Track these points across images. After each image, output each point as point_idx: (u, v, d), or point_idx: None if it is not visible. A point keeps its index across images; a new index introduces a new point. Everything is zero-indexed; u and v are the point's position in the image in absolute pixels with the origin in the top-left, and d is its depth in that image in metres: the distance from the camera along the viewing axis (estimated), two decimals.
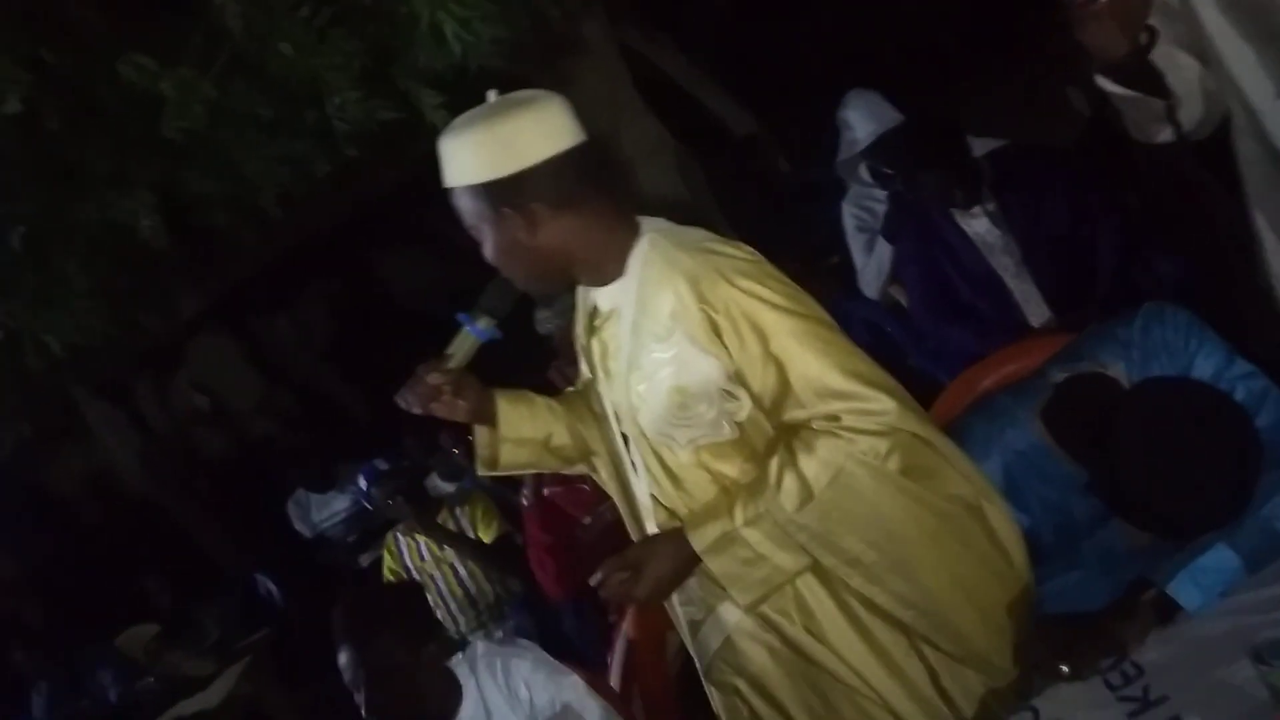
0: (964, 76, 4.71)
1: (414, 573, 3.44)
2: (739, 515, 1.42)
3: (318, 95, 2.28)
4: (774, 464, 1.41)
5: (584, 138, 1.46)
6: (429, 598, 3.43)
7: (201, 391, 6.56)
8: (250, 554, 5.06)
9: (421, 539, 3.43)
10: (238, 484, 5.84)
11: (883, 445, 1.37)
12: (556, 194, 1.43)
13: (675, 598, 1.60)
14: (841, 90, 3.51)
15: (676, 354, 1.43)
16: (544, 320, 3.64)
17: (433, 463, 3.98)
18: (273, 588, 4.68)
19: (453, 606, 3.43)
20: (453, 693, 2.00)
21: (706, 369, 1.42)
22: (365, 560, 4.49)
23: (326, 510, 4.70)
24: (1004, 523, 1.48)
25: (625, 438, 1.56)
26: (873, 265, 3.25)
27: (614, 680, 2.51)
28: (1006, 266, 2.69)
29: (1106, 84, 1.42)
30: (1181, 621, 1.38)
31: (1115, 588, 1.51)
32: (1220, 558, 1.37)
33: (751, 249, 1.50)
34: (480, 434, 1.70)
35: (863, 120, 3.22)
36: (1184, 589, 1.38)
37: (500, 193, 1.42)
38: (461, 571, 3.42)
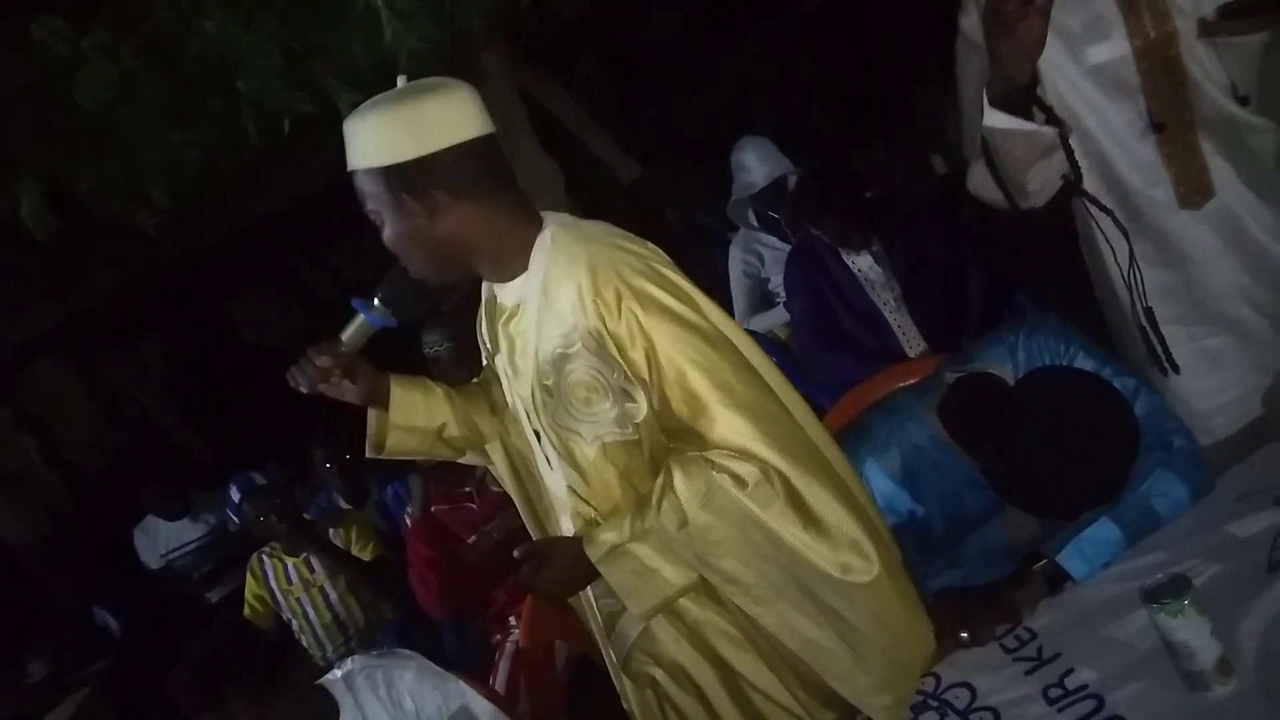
0: (837, 138, 5.03)
1: (279, 595, 3.30)
2: (627, 530, 1.43)
3: (229, 84, 2.25)
4: (656, 485, 1.42)
5: (490, 129, 1.45)
6: (294, 623, 3.31)
7: (39, 420, 6.13)
8: (88, 588, 4.71)
9: (290, 561, 3.30)
10: (78, 513, 5.46)
11: (750, 473, 1.35)
12: (458, 183, 1.41)
13: (591, 590, 1.60)
14: (722, 145, 3.70)
15: (579, 349, 1.42)
16: (431, 344, 3.64)
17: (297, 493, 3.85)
18: (111, 621, 4.36)
19: (319, 632, 3.30)
20: (328, 713, 1.91)
21: (605, 366, 1.41)
22: (216, 595, 4.27)
23: (177, 539, 4.44)
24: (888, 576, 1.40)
25: (537, 433, 1.55)
26: (771, 316, 3.40)
27: (499, 685, 2.48)
28: (887, 302, 2.88)
29: (999, 120, 1.53)
30: (1069, 590, 1.50)
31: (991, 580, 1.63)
32: (1103, 531, 1.50)
33: (655, 247, 1.48)
34: (371, 417, 1.69)
35: (757, 164, 3.40)
36: (1071, 560, 1.50)
37: (401, 178, 1.40)
38: (332, 595, 3.30)
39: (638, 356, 1.39)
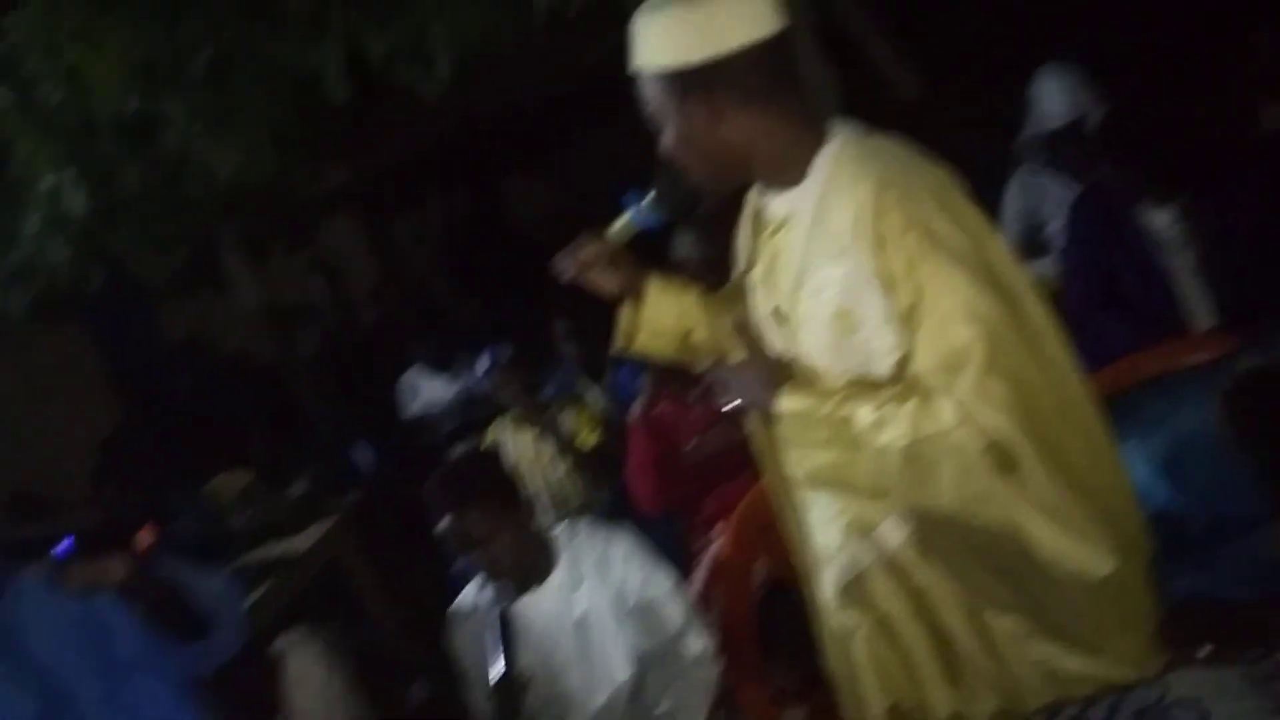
0: (1155, 72, 4.49)
1: (509, 462, 3.51)
2: (830, 407, 1.35)
3: None
4: (885, 394, 1.32)
5: (783, 25, 1.37)
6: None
7: (325, 269, 6.78)
8: (351, 425, 5.22)
9: (524, 435, 3.50)
10: (352, 357, 6.03)
11: (982, 443, 1.26)
12: (746, 86, 1.35)
13: (811, 521, 1.55)
14: (1020, 68, 3.39)
15: (847, 273, 1.34)
16: (683, 245, 3.65)
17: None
18: (368, 457, 4.83)
19: (540, 503, 3.48)
20: (547, 555, 2.10)
21: (873, 295, 1.32)
22: (459, 450, 4.60)
23: (435, 394, 4.80)
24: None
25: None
26: (1043, 264, 3.16)
27: (694, 591, 2.52)
28: (1181, 266, 2.56)
29: None
30: None
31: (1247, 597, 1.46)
32: None
33: (951, 174, 1.37)
34: (625, 311, 1.70)
35: (1062, 98, 3.12)
36: None
37: (688, 80, 1.35)
38: (555, 473, 3.48)
39: (904, 295, 1.30)
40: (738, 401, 1.48)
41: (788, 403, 1.40)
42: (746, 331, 1.49)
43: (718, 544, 2.64)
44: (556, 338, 3.96)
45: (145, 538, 1.33)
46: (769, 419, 1.49)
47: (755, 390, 1.44)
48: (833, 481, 1.42)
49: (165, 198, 3.45)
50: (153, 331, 6.00)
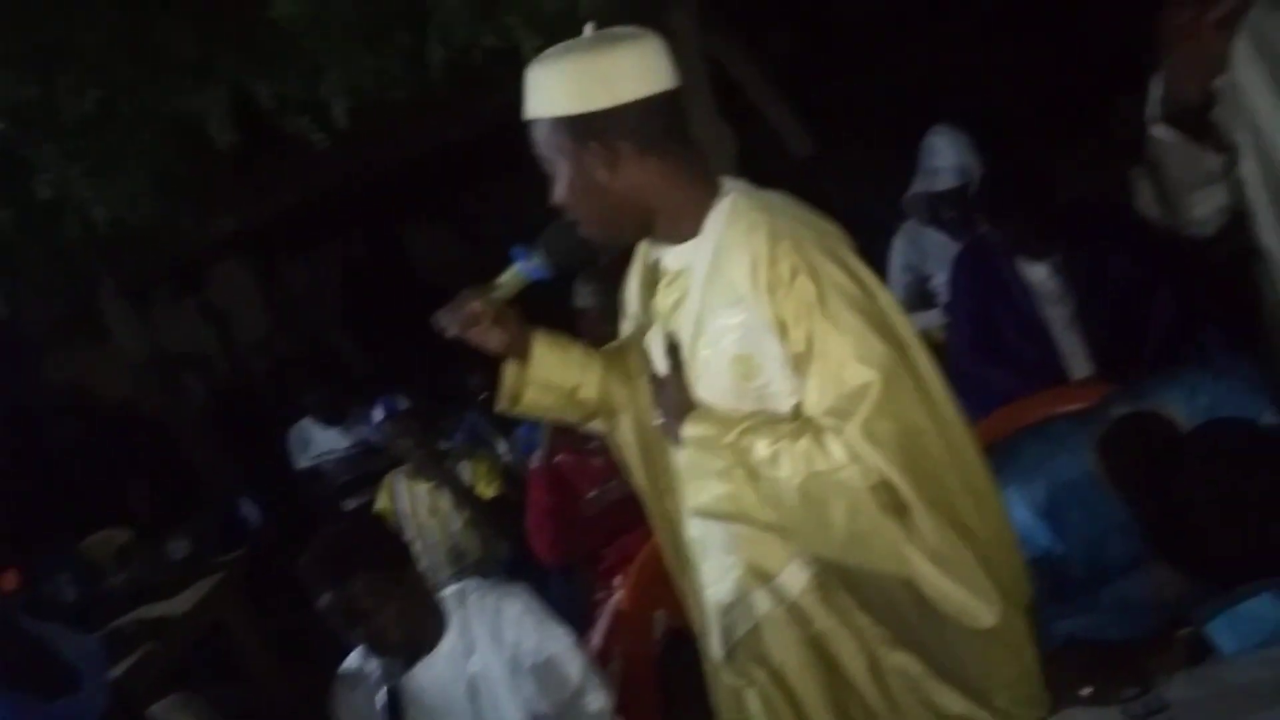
0: (1032, 135, 4.75)
1: (405, 516, 3.42)
2: (734, 436, 1.36)
3: (419, 16, 2.28)
4: (784, 429, 1.34)
5: (677, 83, 1.41)
6: (417, 545, 3.42)
7: (213, 316, 6.57)
8: (237, 478, 5.03)
9: (421, 488, 3.41)
10: (240, 407, 5.83)
11: (867, 483, 1.29)
12: (644, 136, 1.37)
13: (704, 576, 1.56)
14: (906, 130, 3.54)
15: (745, 320, 1.37)
16: (584, 295, 3.66)
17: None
18: (253, 513, 4.65)
19: (437, 558, 3.40)
20: (436, 622, 2.01)
21: (770, 341, 1.36)
22: (351, 504, 4.46)
23: (327, 445, 4.65)
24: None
25: None
26: (928, 317, 3.26)
27: (595, 643, 2.50)
28: (1058, 317, 2.69)
29: (1164, 133, 1.43)
30: (1213, 665, 1.37)
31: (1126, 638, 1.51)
32: (1263, 607, 1.36)
33: (839, 228, 1.43)
34: (510, 369, 1.67)
35: (950, 158, 3.25)
36: (1221, 632, 1.37)
37: (588, 127, 1.36)
38: (454, 526, 3.40)
39: (798, 338, 1.33)
40: (663, 417, 1.48)
41: (691, 429, 1.41)
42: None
43: (618, 595, 2.62)
44: (470, 390, 3.90)
45: (8, 580, 1.22)
46: (664, 454, 1.50)
47: (673, 411, 1.44)
48: (729, 514, 1.42)
49: (40, 243, 3.29)
50: (26, 380, 5.68)
